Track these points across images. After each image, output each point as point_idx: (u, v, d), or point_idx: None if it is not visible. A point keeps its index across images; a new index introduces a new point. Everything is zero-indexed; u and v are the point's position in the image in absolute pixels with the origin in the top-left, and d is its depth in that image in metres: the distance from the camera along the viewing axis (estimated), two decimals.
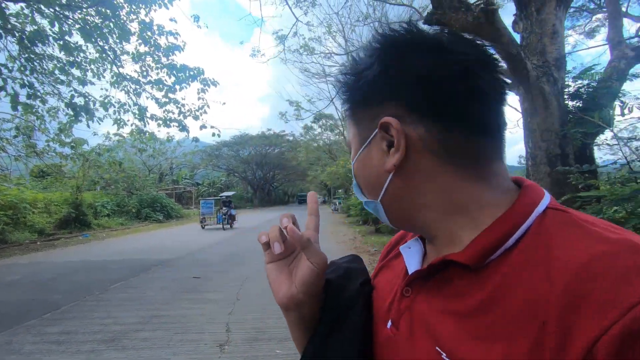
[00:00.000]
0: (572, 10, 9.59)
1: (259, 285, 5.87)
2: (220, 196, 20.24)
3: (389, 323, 0.51)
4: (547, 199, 0.44)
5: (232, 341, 3.67)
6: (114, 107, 9.41)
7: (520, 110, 4.52)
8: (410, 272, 0.52)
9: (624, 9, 7.87)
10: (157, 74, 9.40)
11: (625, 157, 2.98)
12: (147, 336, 3.79)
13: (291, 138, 42.90)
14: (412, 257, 0.54)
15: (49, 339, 3.76)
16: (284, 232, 0.52)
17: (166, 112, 9.71)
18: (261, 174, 48.20)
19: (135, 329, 3.97)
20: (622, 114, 2.92)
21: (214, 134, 10.02)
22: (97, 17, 8.49)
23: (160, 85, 9.37)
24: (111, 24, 8.49)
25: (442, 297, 0.45)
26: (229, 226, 16.56)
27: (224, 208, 16.96)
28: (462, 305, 0.42)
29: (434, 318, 0.45)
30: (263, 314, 4.41)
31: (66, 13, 8.08)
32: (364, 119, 0.51)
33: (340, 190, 38.66)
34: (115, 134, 17.03)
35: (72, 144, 10.89)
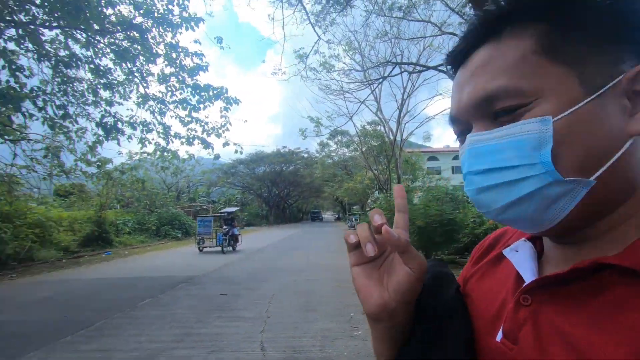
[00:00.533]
0: None
1: (287, 302, 5.76)
2: (221, 212, 17.28)
3: (499, 335, 0.45)
4: None
5: None
6: (140, 126, 9.68)
7: None
8: (527, 279, 0.45)
9: None
10: (181, 93, 9.68)
11: None
12: (183, 354, 3.72)
13: (306, 155, 43.17)
14: (524, 262, 0.48)
15: (87, 356, 3.74)
16: (372, 231, 0.46)
17: (189, 131, 9.93)
18: (276, 192, 48.45)
19: (171, 347, 3.91)
20: None
21: (236, 151, 10.17)
22: (125, 41, 8.83)
23: (185, 105, 9.62)
24: (139, 47, 8.82)
25: (591, 308, 0.37)
26: (230, 249, 13.92)
27: (224, 227, 14.29)
28: (628, 318, 0.34)
29: (577, 331, 0.37)
30: (296, 333, 4.30)
31: (98, 38, 8.43)
32: (595, 58, 0.38)
33: (356, 207, 38.38)
34: (137, 153, 17.47)
35: (97, 163, 11.17)
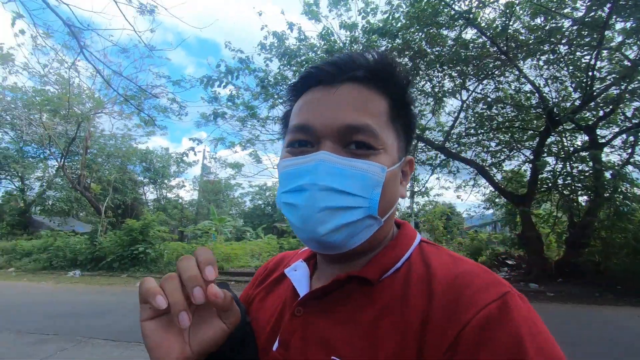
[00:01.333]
0: None
1: None
2: None
3: (276, 345, 0.51)
4: (419, 235, 0.56)
5: None
6: None
7: None
8: (302, 293, 0.54)
9: None
10: None
11: None
12: None
13: None
14: (300, 279, 0.57)
15: None
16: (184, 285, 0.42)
17: None
18: None
19: None
20: None
21: None
22: None
23: None
24: None
25: (342, 311, 0.49)
26: None
27: None
28: (362, 315, 0.47)
29: (331, 331, 0.48)
30: None
31: None
32: (401, 139, 0.55)
33: None
34: None
35: None
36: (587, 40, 7.67)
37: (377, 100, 0.51)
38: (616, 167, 8.73)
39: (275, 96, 10.15)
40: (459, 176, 12.14)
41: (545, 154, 9.73)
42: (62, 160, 14.10)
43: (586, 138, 9.55)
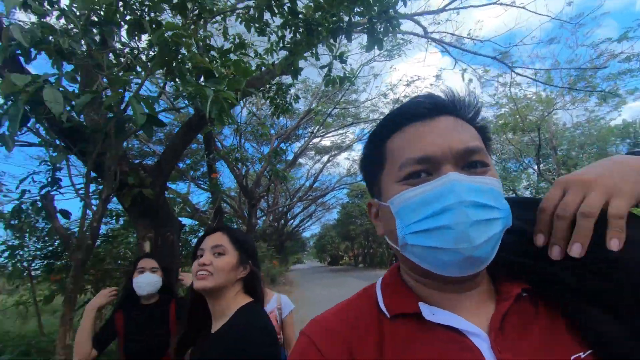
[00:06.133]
0: None
1: None
2: None
3: None
4: None
5: None
6: None
7: None
8: (476, 330, 0.49)
9: None
10: None
11: None
12: None
13: None
14: (459, 319, 0.51)
15: None
16: None
17: None
18: None
19: None
20: None
21: None
22: None
23: None
24: None
25: (531, 330, 0.49)
26: None
27: None
28: (545, 323, 0.49)
29: (528, 346, 0.47)
30: None
31: None
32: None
33: None
34: None
35: None
36: None
37: (471, 128, 0.55)
38: None
39: None
40: None
41: None
42: (538, 166, 14.87)
43: None
